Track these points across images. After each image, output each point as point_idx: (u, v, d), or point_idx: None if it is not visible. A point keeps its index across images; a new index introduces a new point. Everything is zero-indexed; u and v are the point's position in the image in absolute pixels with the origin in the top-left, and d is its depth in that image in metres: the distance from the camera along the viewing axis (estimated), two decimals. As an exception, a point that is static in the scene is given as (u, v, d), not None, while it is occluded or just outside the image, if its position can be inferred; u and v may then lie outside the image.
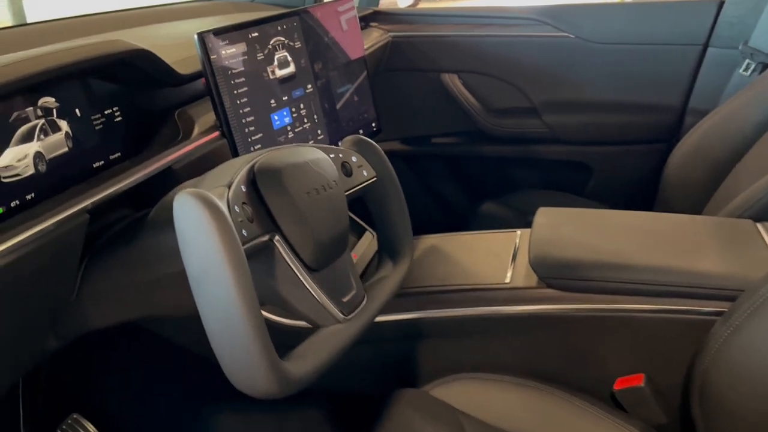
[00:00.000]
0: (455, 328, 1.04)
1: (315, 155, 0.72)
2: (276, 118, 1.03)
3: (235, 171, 0.64)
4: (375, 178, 0.84)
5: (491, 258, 1.12)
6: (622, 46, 1.66)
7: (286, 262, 0.66)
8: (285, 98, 1.05)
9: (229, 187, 0.61)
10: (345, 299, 0.71)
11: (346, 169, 0.81)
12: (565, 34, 1.70)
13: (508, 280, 1.04)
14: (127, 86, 0.90)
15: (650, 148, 1.71)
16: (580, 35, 1.69)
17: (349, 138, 0.85)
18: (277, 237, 0.65)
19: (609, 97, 1.70)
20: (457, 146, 1.86)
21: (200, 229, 0.54)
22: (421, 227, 1.86)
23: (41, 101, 0.76)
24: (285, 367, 0.59)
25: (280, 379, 0.57)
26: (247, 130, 0.97)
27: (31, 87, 0.74)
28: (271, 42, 1.03)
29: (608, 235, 1.04)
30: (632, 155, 1.73)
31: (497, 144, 1.81)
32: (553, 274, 0.99)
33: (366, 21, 1.79)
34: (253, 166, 0.65)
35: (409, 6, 2.09)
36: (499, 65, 1.75)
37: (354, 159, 0.82)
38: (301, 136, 1.08)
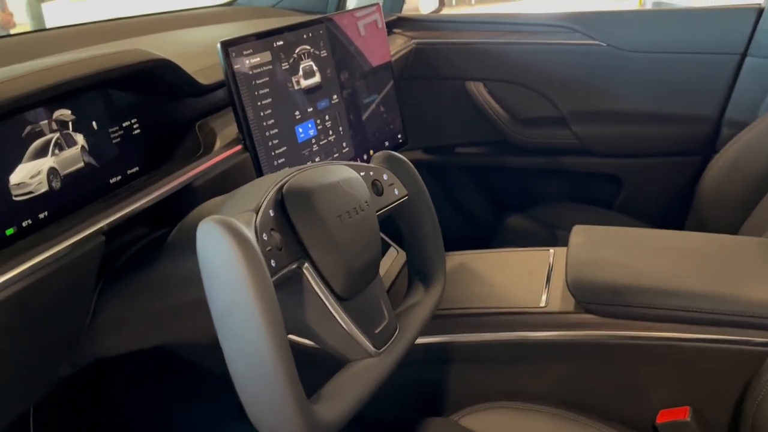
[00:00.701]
0: (486, 353, 0.99)
1: (346, 174, 0.67)
2: (300, 130, 0.98)
3: (263, 193, 0.59)
4: (406, 197, 0.79)
5: (524, 279, 1.07)
6: (655, 54, 1.60)
7: (315, 292, 0.61)
8: (310, 110, 1.00)
9: (257, 212, 0.56)
10: (377, 330, 0.66)
11: (377, 188, 0.75)
12: (596, 41, 1.64)
13: (543, 303, 0.99)
14: (146, 97, 0.86)
15: (684, 160, 1.65)
16: (611, 43, 1.63)
17: (380, 154, 0.80)
18: (306, 264, 0.60)
19: (641, 107, 1.64)
20: (482, 156, 1.81)
21: (227, 263, 0.49)
22: (445, 240, 1.81)
23: (56, 114, 0.72)
24: (315, 410, 0.54)
25: (311, 427, 0.52)
26: (270, 143, 0.92)
27: (45, 99, 0.70)
28: (297, 51, 0.98)
29: (650, 257, 0.98)
30: (665, 168, 1.67)
31: (524, 155, 1.75)
32: (593, 298, 0.94)
33: (389, 27, 1.74)
34: (281, 188, 0.61)
35: (433, 12, 2.04)
36: (527, 73, 1.70)
37: (385, 177, 0.77)
38: (325, 149, 1.03)
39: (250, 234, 0.52)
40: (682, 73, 1.59)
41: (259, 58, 0.91)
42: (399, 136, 1.23)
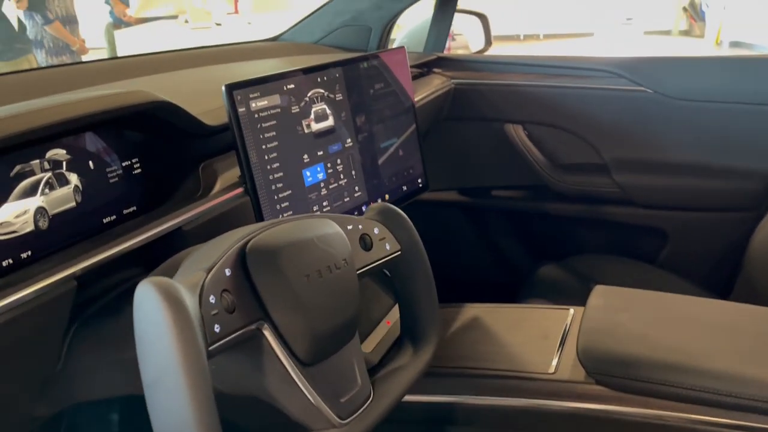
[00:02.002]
0: (489, 418, 0.93)
1: (324, 230, 0.65)
2: (308, 173, 0.96)
3: (222, 251, 0.57)
4: (399, 252, 0.76)
5: (538, 340, 1.01)
6: (706, 103, 1.52)
7: (275, 356, 0.58)
8: (320, 153, 0.98)
9: (209, 271, 0.54)
10: (344, 399, 0.62)
11: (365, 243, 0.72)
12: (643, 88, 1.56)
13: (552, 369, 0.93)
14: (152, 137, 0.86)
15: (735, 217, 1.54)
16: (659, 90, 1.55)
17: (374, 206, 0.77)
18: (266, 326, 0.57)
19: (690, 159, 1.55)
20: (518, 201, 1.75)
21: (156, 330, 0.47)
22: (472, 284, 1.76)
23: (49, 154, 0.73)
24: None
25: None
26: (274, 186, 0.91)
27: (37, 139, 0.70)
28: (309, 94, 0.97)
29: (675, 327, 0.91)
30: (713, 224, 1.56)
31: (562, 201, 1.68)
32: (603, 369, 0.87)
33: (429, 67, 1.72)
34: (245, 245, 0.58)
35: (478, 52, 2.01)
36: (569, 118, 1.64)
37: (376, 231, 0.74)
38: (335, 193, 1.01)
39: (190, 299, 0.50)
40: (734, 124, 1.49)
41: (266, 101, 0.90)
42: (419, 180, 1.20)
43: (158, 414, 0.47)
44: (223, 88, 0.85)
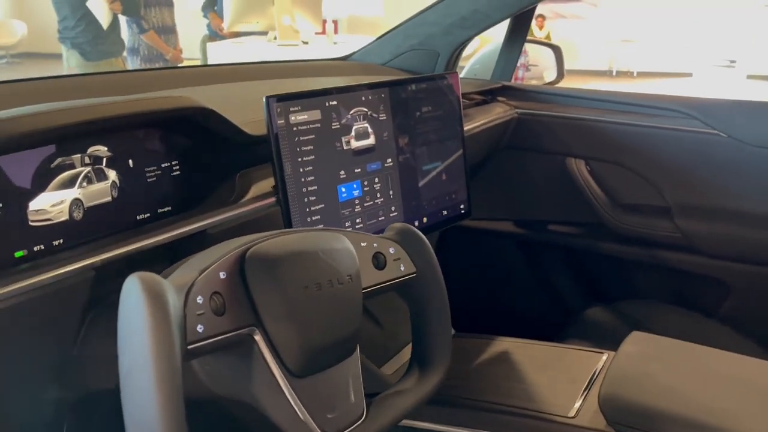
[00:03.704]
0: None
1: (333, 245, 0.65)
2: (343, 189, 0.97)
3: (222, 254, 0.58)
4: (414, 275, 0.75)
5: (565, 381, 0.97)
6: None
7: (265, 363, 0.58)
8: (357, 170, 0.99)
9: (203, 272, 0.55)
10: (332, 415, 0.62)
11: (378, 262, 0.72)
12: (716, 131, 1.49)
13: (572, 413, 0.89)
14: (194, 141, 0.89)
15: None
16: (733, 135, 1.48)
17: (393, 226, 0.77)
18: (257, 333, 0.58)
19: (761, 209, 1.46)
20: (573, 237, 1.70)
21: (133, 323, 0.48)
22: (515, 317, 1.71)
23: (91, 149, 0.77)
24: None
25: None
26: (307, 199, 0.92)
27: (81, 134, 0.75)
28: (351, 112, 0.98)
29: (707, 384, 0.85)
30: (782, 281, 1.46)
31: (619, 242, 1.62)
32: (624, 419, 0.83)
33: (494, 94, 1.71)
34: (246, 251, 0.59)
35: (549, 83, 1.98)
36: (634, 156, 1.58)
37: (392, 251, 0.74)
38: (370, 211, 1.02)
39: (174, 296, 0.51)
40: None
41: (306, 115, 0.92)
42: (461, 206, 1.19)
43: (128, 406, 0.49)
44: (264, 99, 0.88)
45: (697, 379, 0.86)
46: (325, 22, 4.60)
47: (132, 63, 4.22)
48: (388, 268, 0.73)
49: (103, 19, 3.72)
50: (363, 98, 1.00)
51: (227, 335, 0.56)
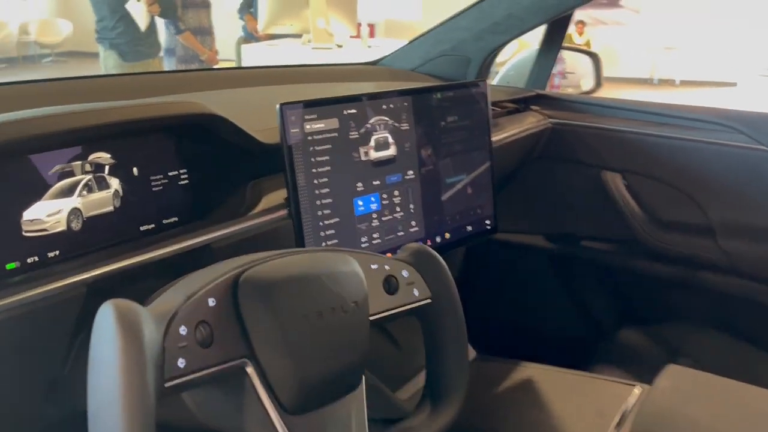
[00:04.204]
0: None
1: (337, 267, 0.60)
2: (360, 203, 0.92)
3: (212, 278, 0.53)
4: (428, 301, 0.69)
5: (592, 415, 0.90)
6: None
7: (258, 399, 0.53)
8: (376, 183, 0.94)
9: (189, 298, 0.51)
10: None
11: (389, 285, 0.67)
12: (763, 147, 1.40)
13: (599, 452, 0.82)
14: (204, 149, 0.85)
15: None
16: None
17: (407, 247, 0.71)
18: (250, 365, 0.53)
19: None
20: (607, 254, 1.62)
21: (104, 358, 0.44)
22: (543, 336, 1.64)
23: (92, 156, 0.73)
24: None
25: None
26: (320, 212, 0.88)
27: (81, 140, 0.71)
28: (371, 121, 0.93)
29: (747, 425, 0.78)
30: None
31: (656, 261, 1.53)
32: None
33: (527, 103, 1.64)
34: (240, 275, 0.55)
35: (585, 92, 1.90)
36: (675, 171, 1.50)
37: (405, 274, 0.68)
38: (388, 225, 0.96)
39: (152, 327, 0.46)
40: None
41: (323, 124, 0.87)
42: (487, 222, 1.13)
43: None
44: (278, 107, 0.83)
45: (737, 420, 0.79)
46: (360, 25, 4.57)
47: (168, 64, 4.25)
48: (401, 293, 0.67)
49: (142, 21, 3.75)
50: (384, 106, 0.95)
51: (214, 369, 0.51)
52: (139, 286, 0.76)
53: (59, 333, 0.67)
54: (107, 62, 3.80)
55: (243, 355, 0.53)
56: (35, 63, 10.22)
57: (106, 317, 0.45)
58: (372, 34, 5.66)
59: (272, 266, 0.56)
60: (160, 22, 4.06)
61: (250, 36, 4.90)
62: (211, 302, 0.52)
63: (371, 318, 0.63)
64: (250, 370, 0.53)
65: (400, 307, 0.67)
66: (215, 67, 3.97)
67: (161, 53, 4.10)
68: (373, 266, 0.66)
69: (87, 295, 0.66)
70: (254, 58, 4.17)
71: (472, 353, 1.15)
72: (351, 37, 4.44)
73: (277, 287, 0.55)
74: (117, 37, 3.74)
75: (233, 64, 5.10)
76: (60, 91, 1.10)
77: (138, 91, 1.14)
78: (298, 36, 4.37)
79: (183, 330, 0.49)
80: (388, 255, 0.69)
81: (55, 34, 10.17)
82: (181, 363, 0.48)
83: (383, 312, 0.65)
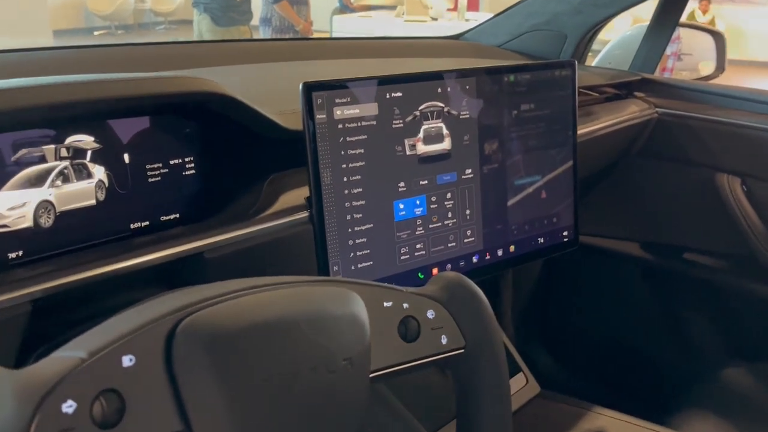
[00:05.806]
0: None
1: (325, 308, 0.44)
2: (402, 206, 0.76)
3: (135, 325, 0.39)
4: (461, 351, 0.53)
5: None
6: None
7: None
8: (424, 182, 0.77)
9: (93, 356, 0.37)
10: None
11: (407, 330, 0.50)
12: None
13: None
14: (217, 135, 0.72)
15: None
16: None
17: (440, 276, 0.54)
18: None
19: None
20: (717, 272, 1.37)
21: None
22: (629, 365, 1.41)
23: (70, 139, 0.61)
24: None
25: None
26: (350, 216, 0.72)
27: (54, 120, 0.59)
28: (421, 107, 0.76)
29: None
30: None
31: None
32: None
33: (630, 89, 1.40)
34: (178, 321, 0.40)
35: (704, 78, 1.63)
36: None
37: (431, 315, 0.52)
38: (437, 234, 0.80)
39: (14, 407, 0.33)
40: None
41: (357, 110, 0.71)
42: (565, 233, 0.93)
43: None
44: (301, 86, 0.68)
45: None
46: (457, -2, 4.34)
47: (264, 33, 4.25)
48: (423, 340, 0.51)
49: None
50: (439, 90, 0.77)
51: None
52: (122, 298, 0.64)
53: (10, 353, 0.56)
54: (201, 26, 3.88)
55: (177, 429, 0.39)
56: (149, 30, 10.64)
57: None
58: (475, 7, 5.40)
59: (229, 308, 0.41)
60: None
61: (345, 7, 4.78)
62: (128, 361, 0.37)
63: (376, 374, 0.48)
64: None
65: (421, 359, 0.51)
66: (287, 38, 3.93)
67: (254, 21, 4.09)
68: (387, 303, 0.50)
69: (55, 307, 0.55)
70: (346, 28, 4.05)
71: (535, 388, 0.97)
72: (448, 9, 4.22)
73: (231, 340, 0.40)
74: (211, 2, 3.80)
75: (327, 35, 5.02)
76: (128, 57, 1.03)
77: (218, 57, 1.05)
78: (393, 8, 4.21)
79: (68, 407, 0.35)
80: (408, 288, 0.52)
81: (169, 3, 10.52)
82: None
83: (395, 366, 0.49)
